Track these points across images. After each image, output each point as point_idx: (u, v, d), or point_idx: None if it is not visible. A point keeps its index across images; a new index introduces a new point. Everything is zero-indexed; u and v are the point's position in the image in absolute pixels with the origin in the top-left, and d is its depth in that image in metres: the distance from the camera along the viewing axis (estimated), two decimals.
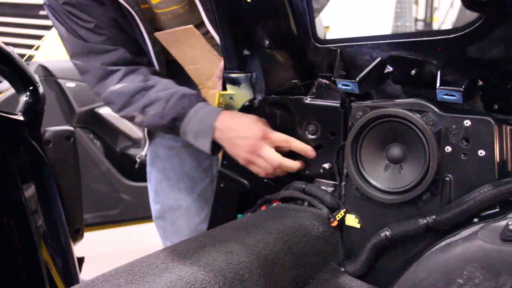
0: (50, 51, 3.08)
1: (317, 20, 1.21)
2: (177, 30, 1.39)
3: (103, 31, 1.39)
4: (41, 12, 3.59)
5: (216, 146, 1.31)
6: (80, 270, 1.42)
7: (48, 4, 1.40)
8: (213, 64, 1.40)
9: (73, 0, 1.36)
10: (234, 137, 1.25)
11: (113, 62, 1.40)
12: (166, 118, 1.33)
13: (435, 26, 6.29)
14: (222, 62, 1.31)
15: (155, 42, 1.42)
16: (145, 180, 1.71)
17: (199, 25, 1.39)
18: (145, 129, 1.62)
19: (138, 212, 2.81)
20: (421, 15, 6.28)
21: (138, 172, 2.03)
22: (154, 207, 1.66)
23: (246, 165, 1.27)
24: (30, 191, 1.27)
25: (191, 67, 1.48)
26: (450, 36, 0.95)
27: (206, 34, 1.41)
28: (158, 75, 1.44)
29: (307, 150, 1.20)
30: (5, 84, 2.42)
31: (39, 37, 3.44)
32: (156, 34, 1.42)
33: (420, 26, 6.25)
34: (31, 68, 2.72)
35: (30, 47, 3.34)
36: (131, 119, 1.41)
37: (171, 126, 1.34)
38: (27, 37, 3.64)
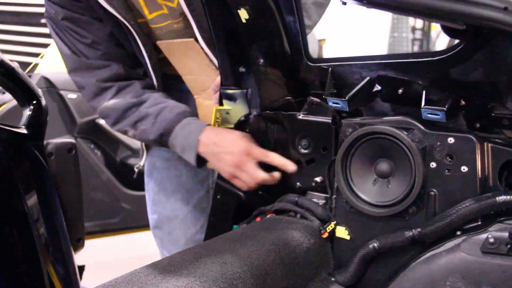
0: (55, 59, 3.11)
1: (309, 38, 1.26)
2: (179, 42, 1.44)
3: (100, 46, 1.45)
4: (43, 20, 3.62)
5: (201, 160, 1.37)
6: (81, 278, 1.46)
7: (49, 17, 1.45)
8: (210, 77, 1.44)
9: (72, 16, 1.42)
10: (220, 153, 1.31)
11: (107, 78, 1.46)
12: (154, 133, 1.40)
13: (433, 35, 6.31)
14: (219, 77, 1.35)
15: (152, 55, 1.46)
16: (144, 189, 1.74)
17: None
18: None
19: (138, 220, 2.83)
20: (418, 24, 6.30)
21: (137, 181, 2.07)
22: (152, 217, 1.70)
23: (229, 179, 1.32)
24: (32, 201, 1.30)
25: (189, 77, 1.52)
26: (434, 59, 1.00)
27: None
28: (152, 87, 1.49)
29: (287, 164, 1.25)
30: (8, 95, 2.46)
31: (45, 45, 3.47)
32: (158, 42, 1.46)
33: (417, 35, 6.27)
34: (34, 80, 2.77)
35: (36, 55, 3.38)
36: (124, 133, 1.48)
37: (159, 140, 1.41)
38: (32, 45, 3.67)
